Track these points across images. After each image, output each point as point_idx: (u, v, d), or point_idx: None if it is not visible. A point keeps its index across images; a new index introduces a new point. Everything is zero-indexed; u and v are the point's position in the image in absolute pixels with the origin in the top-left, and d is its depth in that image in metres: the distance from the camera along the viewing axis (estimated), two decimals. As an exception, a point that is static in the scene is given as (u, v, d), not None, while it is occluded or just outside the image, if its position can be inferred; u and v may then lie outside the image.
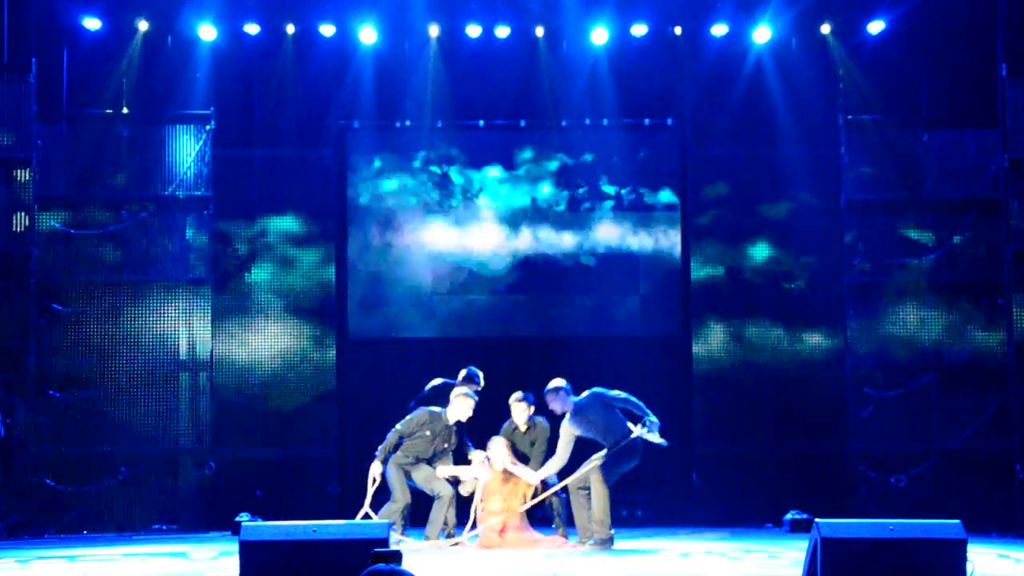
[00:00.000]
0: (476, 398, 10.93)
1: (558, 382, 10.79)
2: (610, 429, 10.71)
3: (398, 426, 10.79)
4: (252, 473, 13.28)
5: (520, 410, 11.03)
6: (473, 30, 13.35)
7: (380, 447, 10.75)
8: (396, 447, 10.78)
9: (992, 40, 12.95)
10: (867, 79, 13.37)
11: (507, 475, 10.87)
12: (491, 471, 10.85)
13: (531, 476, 10.79)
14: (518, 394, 11.05)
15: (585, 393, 10.79)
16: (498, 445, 10.91)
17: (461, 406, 10.83)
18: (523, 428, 11.08)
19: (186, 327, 13.20)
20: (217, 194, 13.32)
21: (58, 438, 12.79)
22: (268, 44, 13.35)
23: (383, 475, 10.74)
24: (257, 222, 13.62)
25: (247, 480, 13.27)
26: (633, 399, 10.73)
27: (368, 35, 13.28)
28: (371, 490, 10.72)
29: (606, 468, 10.63)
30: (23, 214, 12.62)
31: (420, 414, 10.85)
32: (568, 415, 10.74)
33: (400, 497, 10.69)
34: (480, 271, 13.86)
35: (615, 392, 10.75)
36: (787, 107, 13.46)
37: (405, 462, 10.77)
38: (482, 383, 11.39)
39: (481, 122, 13.86)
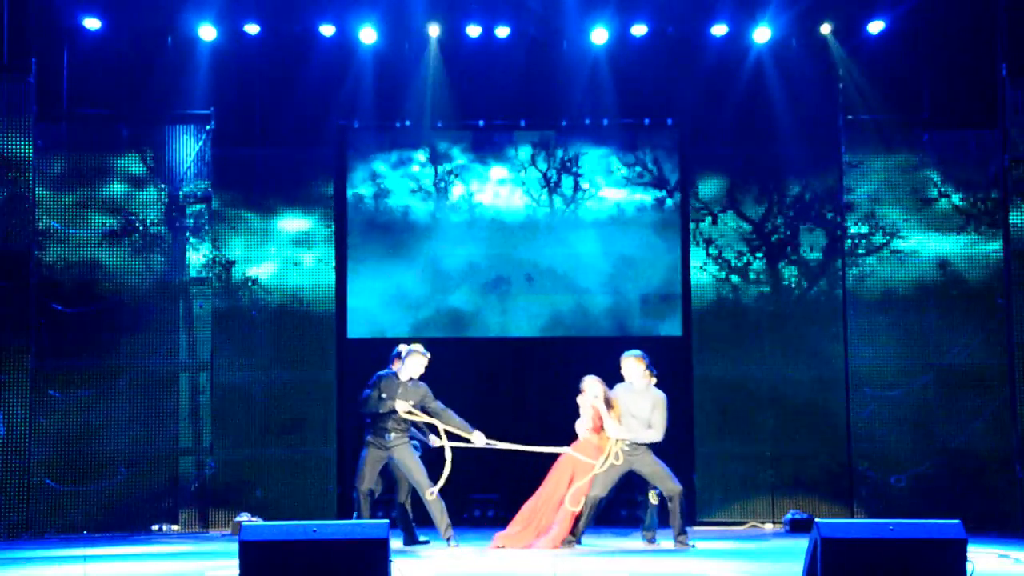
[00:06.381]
0: (428, 355, 10.83)
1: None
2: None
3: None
4: (252, 473, 13.28)
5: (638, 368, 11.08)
6: (473, 30, 13.35)
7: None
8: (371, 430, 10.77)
9: (992, 40, 12.94)
10: (867, 79, 13.36)
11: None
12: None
13: (614, 429, 10.78)
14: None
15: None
16: (592, 381, 10.94)
17: (415, 362, 10.78)
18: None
19: (186, 327, 13.19)
20: (217, 194, 13.33)
21: (58, 438, 12.79)
22: (268, 44, 13.34)
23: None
24: (257, 222, 13.61)
25: (247, 480, 13.27)
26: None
27: (368, 35, 13.27)
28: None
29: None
30: (23, 214, 12.61)
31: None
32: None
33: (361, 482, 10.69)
34: (480, 271, 13.86)
35: None
36: (787, 107, 13.45)
37: (383, 443, 10.70)
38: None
39: (481, 122, 13.86)
